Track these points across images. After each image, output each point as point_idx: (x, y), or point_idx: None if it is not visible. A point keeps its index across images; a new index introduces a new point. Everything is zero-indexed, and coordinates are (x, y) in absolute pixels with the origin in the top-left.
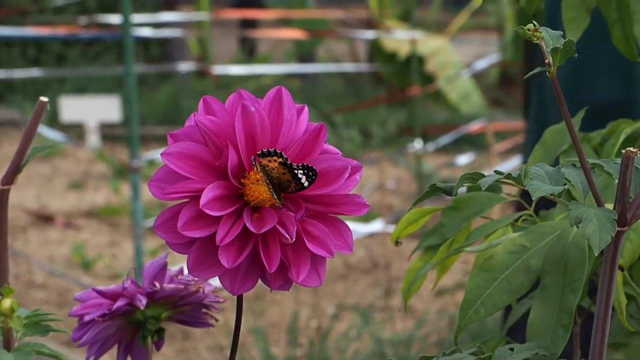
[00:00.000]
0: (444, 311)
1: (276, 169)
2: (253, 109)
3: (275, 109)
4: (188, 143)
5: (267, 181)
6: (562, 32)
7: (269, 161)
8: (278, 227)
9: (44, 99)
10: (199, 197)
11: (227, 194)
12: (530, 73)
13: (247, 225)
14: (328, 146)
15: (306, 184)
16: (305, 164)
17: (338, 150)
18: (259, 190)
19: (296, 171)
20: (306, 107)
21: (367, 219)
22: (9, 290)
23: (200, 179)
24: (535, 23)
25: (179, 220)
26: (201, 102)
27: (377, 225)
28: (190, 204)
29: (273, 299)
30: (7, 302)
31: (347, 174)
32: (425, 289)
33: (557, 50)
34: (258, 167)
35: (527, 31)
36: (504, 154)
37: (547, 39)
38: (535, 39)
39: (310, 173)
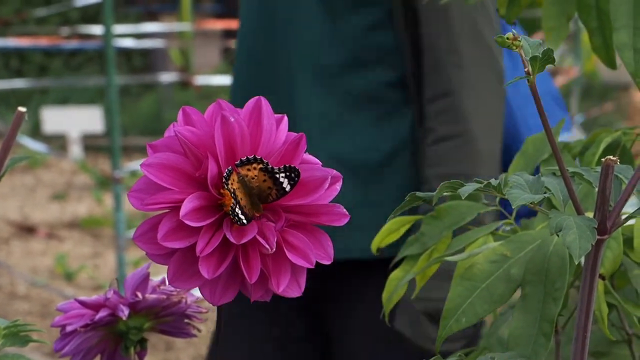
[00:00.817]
0: None
1: (256, 178)
2: (232, 120)
3: (254, 119)
4: (168, 154)
5: (243, 192)
6: (540, 41)
7: (248, 170)
8: (258, 237)
9: (22, 109)
10: (178, 207)
11: (206, 204)
12: (509, 82)
13: (227, 236)
14: (308, 156)
15: (288, 188)
16: (287, 165)
17: (318, 160)
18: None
19: (278, 175)
20: (285, 117)
21: None
22: None
23: (180, 189)
24: (514, 32)
25: (159, 231)
26: (180, 112)
27: None
28: (170, 215)
29: None
30: None
31: (327, 184)
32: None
33: (536, 58)
34: (235, 178)
35: (506, 40)
36: None
37: (527, 47)
38: (514, 47)
39: (293, 175)
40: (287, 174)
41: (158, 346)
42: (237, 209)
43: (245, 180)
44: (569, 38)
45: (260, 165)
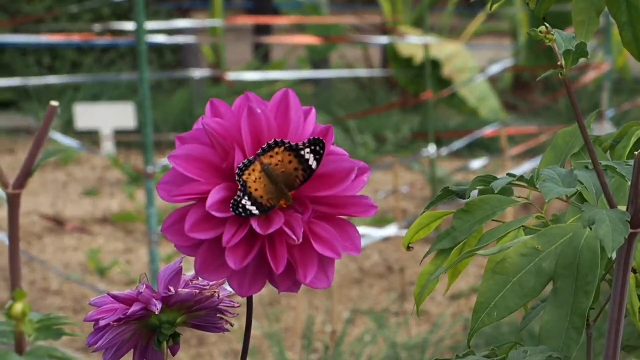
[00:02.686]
0: (459, 315)
1: (280, 163)
2: (259, 111)
3: (282, 111)
4: (195, 145)
5: (266, 182)
6: (573, 35)
7: (271, 156)
8: (285, 228)
9: (54, 103)
10: (205, 199)
11: (233, 195)
12: (542, 76)
13: (254, 226)
14: (335, 148)
15: (314, 165)
16: (311, 138)
17: (345, 152)
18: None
19: (303, 152)
20: (313, 110)
21: (381, 223)
22: (21, 294)
23: (207, 181)
24: (547, 25)
25: (186, 223)
26: (208, 105)
27: (391, 230)
28: (197, 206)
29: (288, 304)
30: (19, 306)
31: (354, 175)
32: (439, 294)
33: (569, 52)
34: (258, 167)
35: (540, 33)
36: (518, 159)
37: (560, 41)
38: (547, 41)
39: (318, 148)
40: (313, 147)
41: (191, 341)
42: (243, 201)
43: (270, 170)
44: (600, 33)
45: (284, 147)
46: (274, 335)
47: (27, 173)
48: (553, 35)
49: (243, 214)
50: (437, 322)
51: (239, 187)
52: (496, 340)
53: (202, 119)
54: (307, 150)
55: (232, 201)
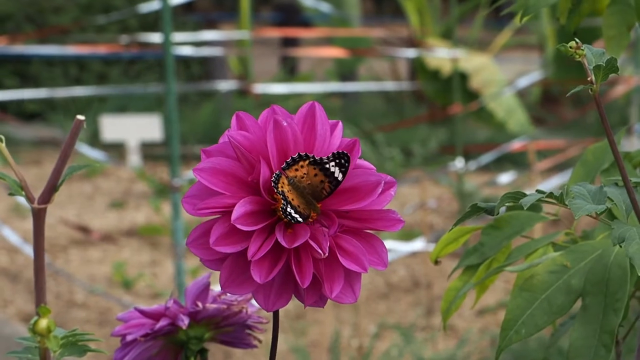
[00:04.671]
0: (486, 330)
1: (306, 176)
2: (285, 124)
3: (308, 124)
4: (220, 158)
5: (295, 194)
6: (603, 50)
7: (296, 170)
8: (310, 241)
9: (80, 117)
10: (230, 212)
11: (259, 209)
12: (572, 91)
13: (280, 240)
14: (362, 161)
15: (340, 177)
16: (335, 152)
17: (372, 165)
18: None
19: (327, 165)
20: (340, 123)
21: (408, 237)
22: (45, 310)
23: (232, 194)
24: (577, 40)
25: (211, 236)
26: (234, 118)
27: (418, 244)
28: (222, 220)
29: (314, 318)
30: (43, 322)
31: (381, 189)
32: (467, 308)
33: (599, 67)
34: (284, 181)
35: (570, 49)
36: (546, 173)
37: (590, 56)
38: (577, 56)
39: (343, 161)
40: (337, 161)
41: (217, 356)
42: (288, 208)
43: (295, 182)
44: (629, 47)
45: (308, 160)
46: (300, 350)
47: (52, 187)
48: (583, 50)
49: (292, 221)
50: (464, 337)
51: (281, 198)
52: (523, 357)
53: (228, 132)
54: (332, 163)
55: (280, 208)
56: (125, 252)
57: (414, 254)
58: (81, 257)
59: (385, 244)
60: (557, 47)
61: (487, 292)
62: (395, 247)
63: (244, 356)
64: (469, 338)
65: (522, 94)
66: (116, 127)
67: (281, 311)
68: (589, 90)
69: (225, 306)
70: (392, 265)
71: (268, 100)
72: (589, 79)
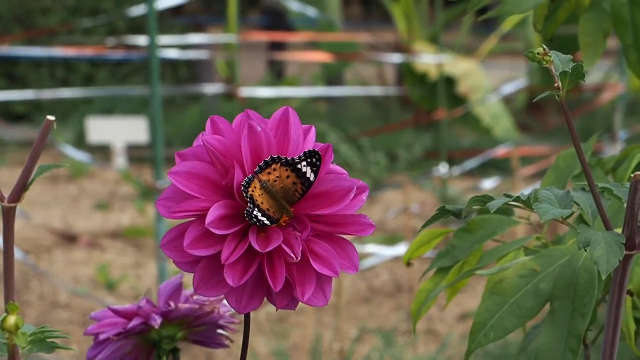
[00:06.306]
0: (467, 335)
1: (278, 179)
2: (259, 129)
3: (281, 129)
4: (194, 162)
5: (266, 197)
6: (570, 57)
7: (269, 173)
8: (283, 246)
9: (50, 117)
10: (205, 215)
11: (233, 213)
12: (539, 97)
13: (253, 244)
14: (334, 166)
15: (312, 177)
16: (306, 150)
17: (344, 171)
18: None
19: (299, 165)
20: (313, 127)
21: (391, 242)
22: (13, 307)
23: (206, 197)
24: (544, 47)
25: (185, 239)
26: (208, 122)
27: (401, 249)
28: (196, 223)
29: (296, 321)
30: (11, 319)
31: (353, 194)
32: (448, 313)
33: (565, 74)
34: (257, 185)
35: (537, 55)
36: (530, 179)
37: (557, 62)
38: (544, 62)
39: (314, 160)
40: (309, 160)
41: (199, 357)
42: (254, 212)
43: (268, 186)
44: (615, 54)
45: (280, 162)
46: (281, 353)
47: (22, 186)
48: (550, 56)
49: (258, 224)
50: (445, 342)
51: (248, 201)
52: None
53: (202, 136)
54: (304, 163)
55: (245, 211)
56: (110, 254)
57: (396, 259)
58: (65, 258)
59: (356, 248)
60: (525, 53)
61: (469, 297)
62: (378, 251)
63: (225, 357)
64: (449, 342)
65: (507, 101)
66: (102, 129)
67: (263, 313)
68: (556, 97)
69: (197, 306)
70: (375, 269)
71: (254, 104)
72: (555, 85)
